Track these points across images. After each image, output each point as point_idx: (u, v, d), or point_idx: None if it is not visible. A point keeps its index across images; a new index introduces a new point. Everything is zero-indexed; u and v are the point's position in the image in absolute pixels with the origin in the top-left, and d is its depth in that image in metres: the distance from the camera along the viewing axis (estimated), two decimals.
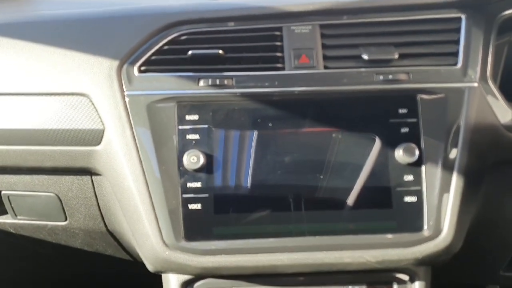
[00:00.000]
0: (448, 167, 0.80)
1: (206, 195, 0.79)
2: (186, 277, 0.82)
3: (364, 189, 0.80)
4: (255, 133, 0.81)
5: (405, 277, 0.84)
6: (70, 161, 0.84)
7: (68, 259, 1.16)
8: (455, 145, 0.81)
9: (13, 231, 1.00)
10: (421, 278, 0.83)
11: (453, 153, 0.81)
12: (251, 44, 0.84)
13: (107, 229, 0.94)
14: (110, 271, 1.26)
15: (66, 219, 0.94)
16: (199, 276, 0.82)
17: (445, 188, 0.80)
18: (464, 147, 0.81)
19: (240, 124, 0.81)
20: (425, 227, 0.80)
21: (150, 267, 0.84)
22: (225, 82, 0.81)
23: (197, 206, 0.79)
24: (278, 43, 0.84)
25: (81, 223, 0.94)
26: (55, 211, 0.93)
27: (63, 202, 0.91)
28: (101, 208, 0.91)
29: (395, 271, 0.83)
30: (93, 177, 0.87)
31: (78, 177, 0.88)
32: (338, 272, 0.81)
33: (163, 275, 0.85)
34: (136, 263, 1.01)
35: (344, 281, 0.83)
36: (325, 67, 0.83)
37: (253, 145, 0.81)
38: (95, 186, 0.88)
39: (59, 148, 0.84)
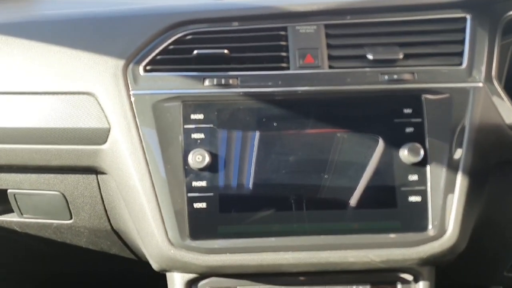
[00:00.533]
0: (452, 167, 0.80)
1: (211, 194, 0.79)
2: (191, 275, 0.82)
3: (369, 188, 0.80)
4: (260, 133, 0.81)
5: (409, 277, 0.84)
6: (76, 160, 0.85)
7: (73, 258, 1.16)
8: (460, 145, 0.81)
9: (18, 230, 1.01)
10: (425, 278, 0.83)
11: (458, 153, 0.81)
12: (256, 44, 0.84)
13: (112, 228, 0.94)
14: (114, 270, 1.26)
15: (71, 218, 0.94)
16: (204, 274, 0.82)
17: (449, 188, 0.80)
18: (469, 147, 0.81)
19: (245, 124, 0.81)
20: (430, 226, 0.80)
21: (155, 265, 0.84)
22: (230, 81, 0.81)
23: (202, 205, 0.79)
24: (283, 43, 0.85)
25: (86, 221, 0.94)
26: (61, 209, 0.93)
27: (68, 200, 0.92)
28: (106, 206, 0.91)
29: (399, 271, 0.83)
30: (98, 176, 0.88)
31: (83, 175, 0.88)
32: (342, 271, 0.81)
33: (167, 274, 0.86)
34: (140, 262, 1.01)
35: (348, 280, 0.83)
36: (330, 67, 0.84)
37: (258, 145, 0.81)
38: (100, 185, 0.89)
39: (65, 147, 0.84)
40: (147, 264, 0.87)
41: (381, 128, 0.81)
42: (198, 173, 0.79)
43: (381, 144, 0.81)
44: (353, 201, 0.80)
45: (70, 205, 0.92)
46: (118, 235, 0.96)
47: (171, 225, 0.78)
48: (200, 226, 0.79)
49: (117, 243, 0.99)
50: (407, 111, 0.82)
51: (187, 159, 0.79)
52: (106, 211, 0.92)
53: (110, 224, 0.94)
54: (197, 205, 0.79)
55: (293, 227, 0.80)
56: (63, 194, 0.91)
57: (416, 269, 0.83)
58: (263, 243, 0.79)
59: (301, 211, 0.80)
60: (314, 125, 0.81)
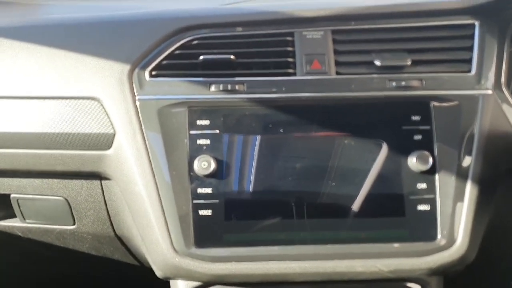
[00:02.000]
0: (462, 175, 0.79)
1: (217, 201, 0.78)
2: (195, 283, 0.81)
3: (377, 197, 0.79)
4: (266, 139, 0.80)
5: (417, 286, 0.83)
6: (80, 165, 0.84)
7: (75, 263, 1.16)
8: (469, 153, 0.80)
9: (21, 235, 1.00)
10: None
11: (467, 161, 0.80)
12: (262, 49, 0.84)
13: (116, 234, 0.94)
14: (117, 276, 1.25)
15: (74, 223, 0.94)
16: (208, 283, 0.81)
17: (459, 196, 0.79)
18: (478, 155, 0.80)
19: (251, 130, 0.80)
20: (439, 236, 0.79)
21: (159, 273, 0.83)
22: (236, 87, 0.81)
23: (208, 212, 0.78)
24: (290, 49, 0.84)
25: (89, 227, 0.93)
26: (64, 215, 0.93)
27: (72, 206, 0.91)
28: (110, 212, 0.90)
29: (407, 281, 0.82)
30: (102, 181, 0.87)
31: (87, 181, 0.88)
32: (349, 281, 0.80)
33: (171, 281, 0.85)
34: (143, 268, 1.00)
35: None
36: (337, 73, 0.83)
37: (264, 151, 0.80)
38: (104, 191, 0.88)
39: (70, 152, 0.84)
40: (150, 270, 0.86)
41: (389, 135, 0.80)
42: (204, 180, 0.79)
43: (389, 151, 0.80)
44: (361, 209, 0.79)
45: (73, 211, 0.92)
46: (122, 241, 0.95)
47: (176, 233, 0.77)
48: (205, 234, 0.78)
49: (120, 249, 0.98)
50: (415, 118, 0.81)
51: (193, 165, 0.79)
52: (109, 217, 0.91)
53: (114, 230, 0.93)
54: (202, 212, 0.78)
55: (299, 235, 0.79)
56: (66, 200, 0.90)
57: (424, 279, 0.81)
58: (269, 252, 0.78)
59: (308, 220, 0.79)
60: (321, 132, 0.80)
